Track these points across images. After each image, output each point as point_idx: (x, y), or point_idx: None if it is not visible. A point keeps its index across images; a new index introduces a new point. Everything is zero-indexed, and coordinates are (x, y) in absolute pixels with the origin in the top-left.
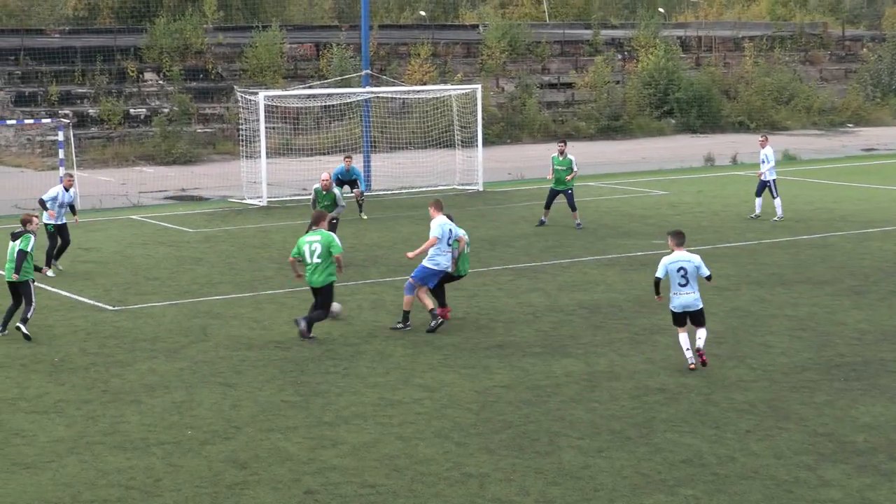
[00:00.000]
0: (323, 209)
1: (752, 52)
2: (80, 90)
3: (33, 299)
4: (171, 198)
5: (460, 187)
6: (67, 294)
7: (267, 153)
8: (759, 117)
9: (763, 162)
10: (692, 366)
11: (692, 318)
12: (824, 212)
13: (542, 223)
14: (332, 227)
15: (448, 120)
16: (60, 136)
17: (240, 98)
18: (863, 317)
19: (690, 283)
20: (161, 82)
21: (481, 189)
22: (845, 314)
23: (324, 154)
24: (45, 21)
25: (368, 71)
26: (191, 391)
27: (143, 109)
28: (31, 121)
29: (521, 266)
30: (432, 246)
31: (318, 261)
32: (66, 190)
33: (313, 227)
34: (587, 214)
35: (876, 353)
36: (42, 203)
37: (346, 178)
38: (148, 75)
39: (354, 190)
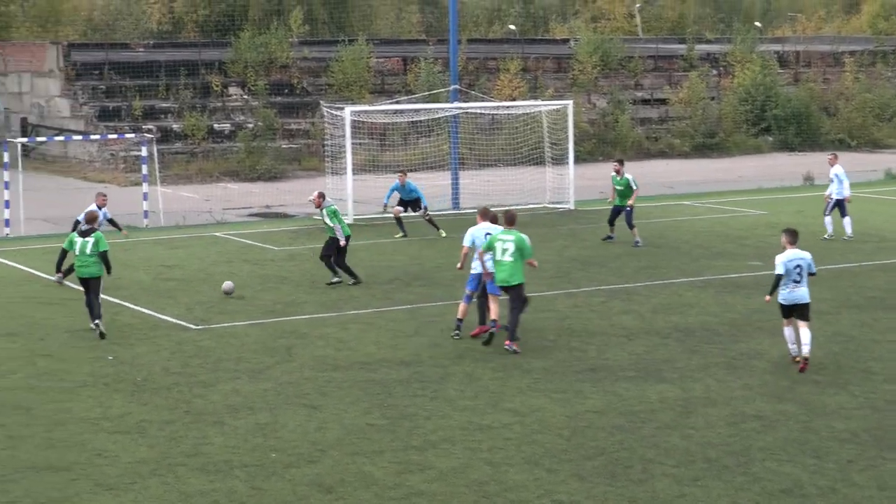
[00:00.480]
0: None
1: (853, 68)
2: (163, 105)
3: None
4: (256, 214)
5: (551, 205)
6: (150, 312)
7: (353, 169)
8: (859, 135)
9: (832, 181)
10: (797, 358)
11: (799, 312)
12: None
13: (610, 238)
14: (340, 251)
15: (538, 136)
16: (144, 152)
17: (326, 113)
18: None
19: (804, 279)
20: (246, 97)
21: (572, 207)
22: None
23: (411, 171)
24: (129, 35)
25: (457, 86)
26: (275, 413)
27: (228, 124)
28: (115, 136)
29: (614, 287)
30: (465, 255)
31: (510, 259)
32: (100, 208)
33: (506, 227)
34: (681, 235)
35: None
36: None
37: (406, 198)
38: (232, 90)
39: (419, 210)
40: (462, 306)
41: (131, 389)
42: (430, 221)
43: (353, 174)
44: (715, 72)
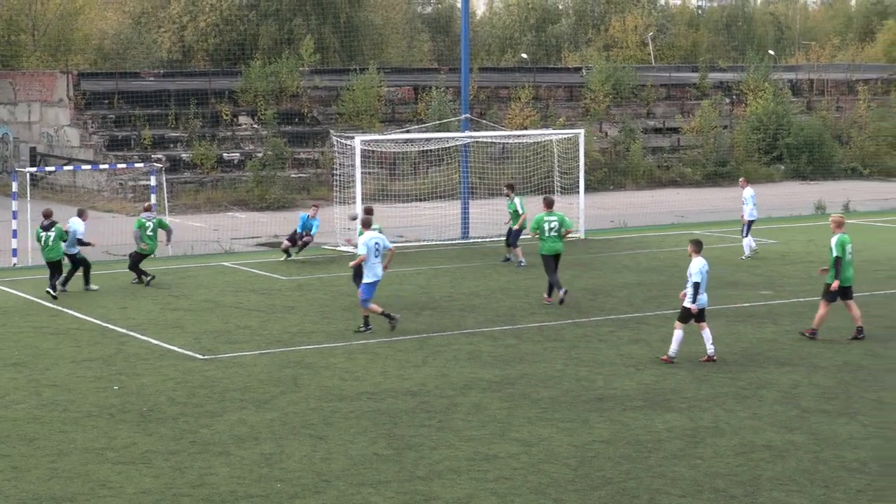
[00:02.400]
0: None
1: (867, 96)
2: (173, 134)
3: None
4: (264, 244)
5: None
6: (157, 342)
7: (363, 199)
8: (873, 164)
9: (745, 203)
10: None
11: (702, 315)
12: None
13: (507, 260)
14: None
15: (549, 165)
16: (153, 181)
17: (335, 142)
18: None
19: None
20: (255, 126)
21: (583, 237)
22: None
23: (421, 200)
24: (139, 64)
25: (468, 115)
26: (281, 443)
27: (237, 154)
28: (124, 165)
29: (624, 316)
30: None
31: (556, 234)
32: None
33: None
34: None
35: None
36: (81, 241)
37: (302, 230)
38: (242, 119)
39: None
40: (362, 309)
41: (137, 420)
42: (304, 245)
43: (363, 203)
44: (727, 100)
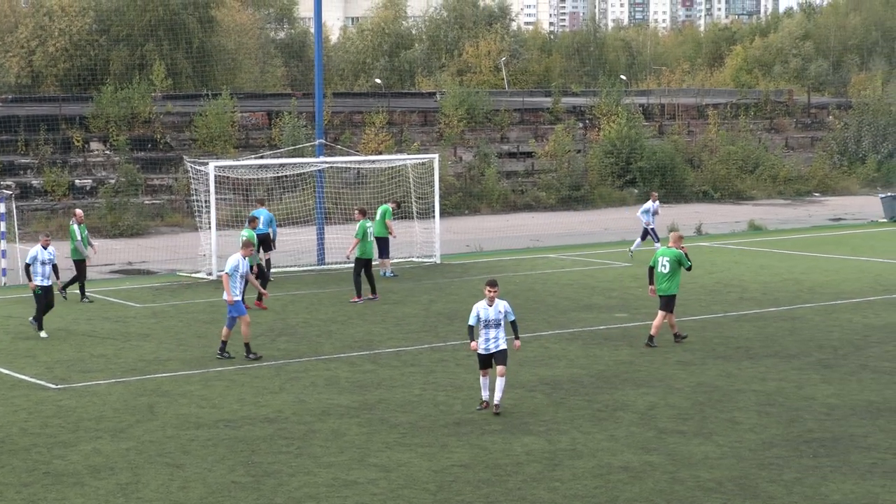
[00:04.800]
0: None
1: (717, 120)
2: (23, 160)
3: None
4: (118, 271)
5: (418, 259)
6: (7, 372)
7: (217, 225)
8: (723, 186)
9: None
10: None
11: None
12: (792, 283)
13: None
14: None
15: (404, 190)
16: (2, 208)
17: (189, 168)
18: (832, 391)
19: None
20: (108, 152)
21: (439, 262)
22: (814, 388)
23: (277, 226)
24: None
25: (322, 140)
26: (137, 472)
27: (89, 180)
28: None
29: None
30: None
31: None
32: (45, 248)
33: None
34: (548, 287)
35: (846, 428)
36: (28, 268)
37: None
38: (94, 145)
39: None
40: (225, 330)
41: None
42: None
43: (217, 230)
44: (581, 124)
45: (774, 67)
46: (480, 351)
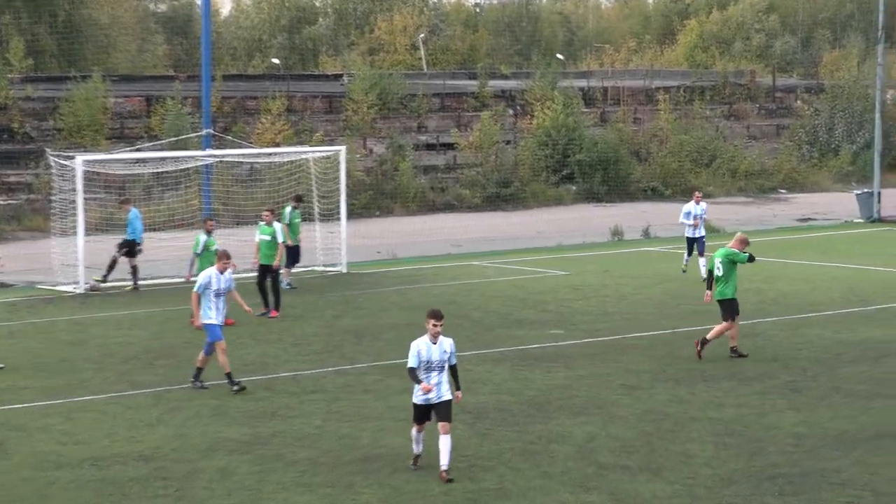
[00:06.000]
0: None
1: (668, 106)
2: None
3: None
4: None
5: (321, 269)
6: None
7: (86, 230)
8: (674, 182)
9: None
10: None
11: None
12: (753, 293)
13: (289, 286)
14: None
15: (306, 188)
16: None
17: (52, 163)
18: (800, 419)
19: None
20: None
21: (345, 270)
22: (779, 416)
23: (155, 230)
24: None
25: (210, 130)
26: None
27: None
28: None
29: (392, 362)
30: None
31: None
32: None
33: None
34: (472, 300)
35: (815, 461)
36: None
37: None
38: None
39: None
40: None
41: None
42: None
43: (86, 235)
44: (511, 111)
45: (734, 45)
46: (417, 401)
